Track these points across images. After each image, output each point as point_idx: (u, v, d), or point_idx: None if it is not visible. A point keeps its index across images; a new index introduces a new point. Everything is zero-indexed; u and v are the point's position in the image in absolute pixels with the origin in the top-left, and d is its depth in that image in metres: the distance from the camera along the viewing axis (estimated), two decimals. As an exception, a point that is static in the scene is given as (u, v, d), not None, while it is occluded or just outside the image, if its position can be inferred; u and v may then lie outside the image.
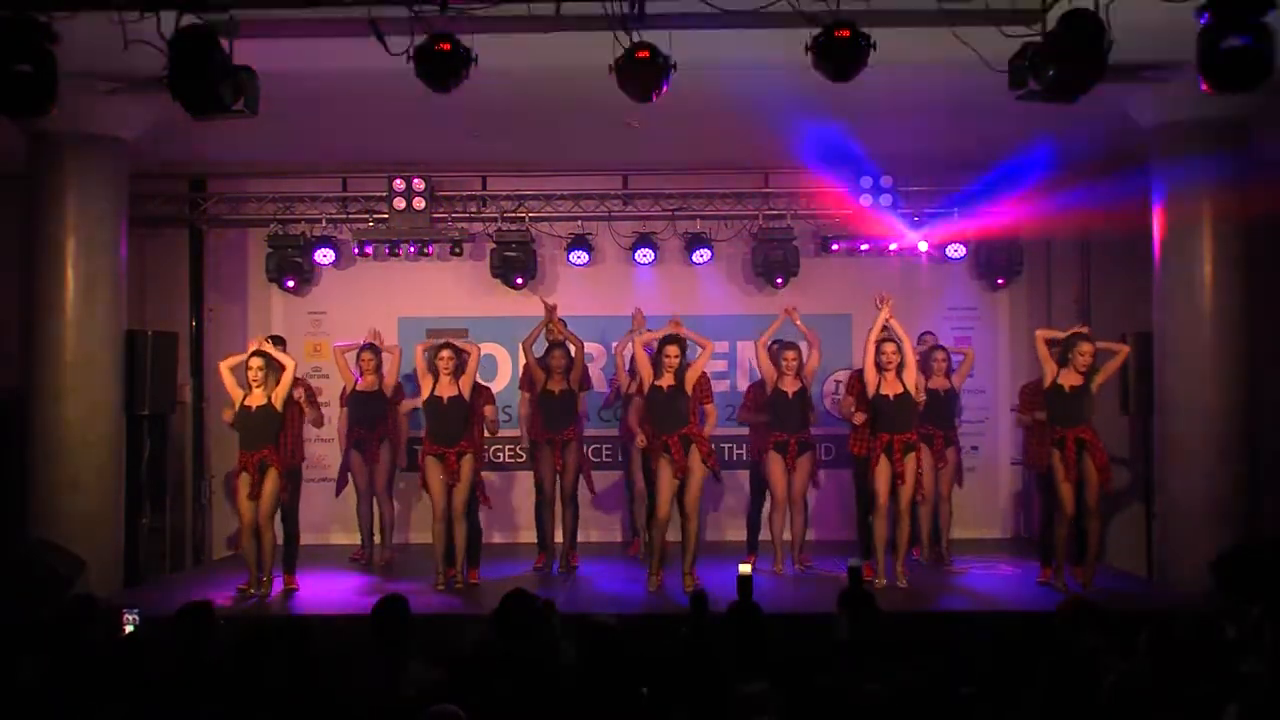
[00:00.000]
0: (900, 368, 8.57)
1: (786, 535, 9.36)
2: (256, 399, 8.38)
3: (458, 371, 8.59)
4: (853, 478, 9.49)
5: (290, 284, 11.05)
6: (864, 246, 10.94)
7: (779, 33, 6.21)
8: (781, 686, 4.60)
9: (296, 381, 8.65)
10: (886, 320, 8.62)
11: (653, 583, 8.49)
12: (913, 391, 8.58)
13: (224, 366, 8.61)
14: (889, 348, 8.56)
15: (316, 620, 7.73)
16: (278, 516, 8.56)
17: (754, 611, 6.13)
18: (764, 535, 9.49)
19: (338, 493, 10.02)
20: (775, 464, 9.15)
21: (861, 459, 8.93)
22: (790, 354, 9.10)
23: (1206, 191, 8.62)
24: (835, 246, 10.99)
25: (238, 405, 8.42)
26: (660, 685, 4.75)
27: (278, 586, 8.61)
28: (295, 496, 8.88)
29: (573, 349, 9.35)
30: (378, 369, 9.68)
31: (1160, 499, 9.00)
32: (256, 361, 8.47)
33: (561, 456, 9.33)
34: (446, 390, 8.57)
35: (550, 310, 9.48)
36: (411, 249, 10.95)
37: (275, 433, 8.42)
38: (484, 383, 9.24)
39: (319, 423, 9.49)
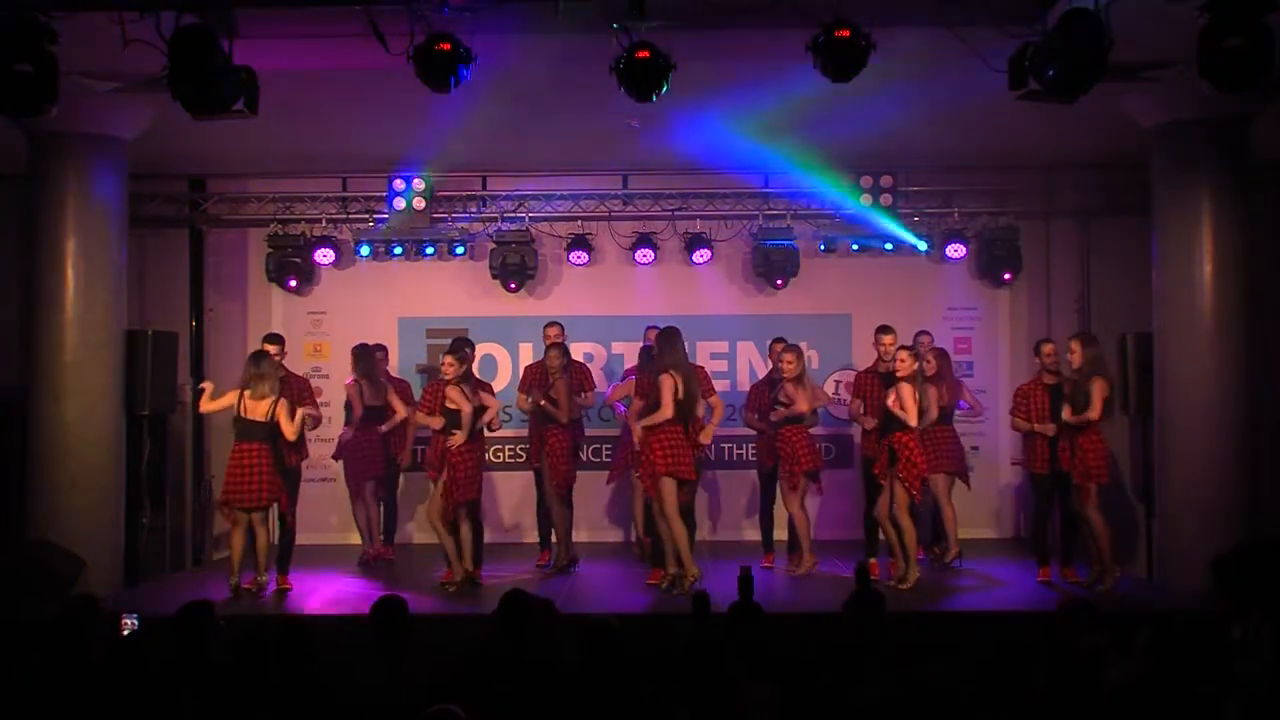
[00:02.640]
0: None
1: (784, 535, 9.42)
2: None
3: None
4: (862, 478, 9.47)
5: (290, 284, 11.03)
6: (855, 247, 10.94)
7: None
8: (783, 686, 4.60)
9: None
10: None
11: (664, 580, 8.46)
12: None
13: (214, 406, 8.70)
14: (905, 354, 8.56)
15: (316, 620, 7.74)
16: (272, 515, 8.54)
17: (754, 610, 6.15)
18: (779, 535, 9.56)
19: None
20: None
21: (869, 459, 8.97)
22: (790, 355, 9.04)
23: (1206, 191, 8.62)
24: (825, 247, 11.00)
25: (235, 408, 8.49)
26: (661, 685, 4.75)
27: (271, 586, 8.62)
28: (293, 497, 8.85)
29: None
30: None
31: (1160, 499, 8.99)
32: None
33: (540, 455, 9.41)
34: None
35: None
36: (429, 251, 10.95)
37: (267, 435, 8.42)
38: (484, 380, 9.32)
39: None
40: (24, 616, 6.82)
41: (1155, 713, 4.01)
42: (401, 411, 9.56)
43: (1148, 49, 7.11)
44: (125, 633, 5.98)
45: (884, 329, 9.17)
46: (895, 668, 4.77)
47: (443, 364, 8.64)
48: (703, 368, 9.33)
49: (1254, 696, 3.96)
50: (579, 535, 10.14)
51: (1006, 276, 11.06)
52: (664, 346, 8.34)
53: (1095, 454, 8.39)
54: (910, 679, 4.43)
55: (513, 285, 10.93)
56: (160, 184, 10.83)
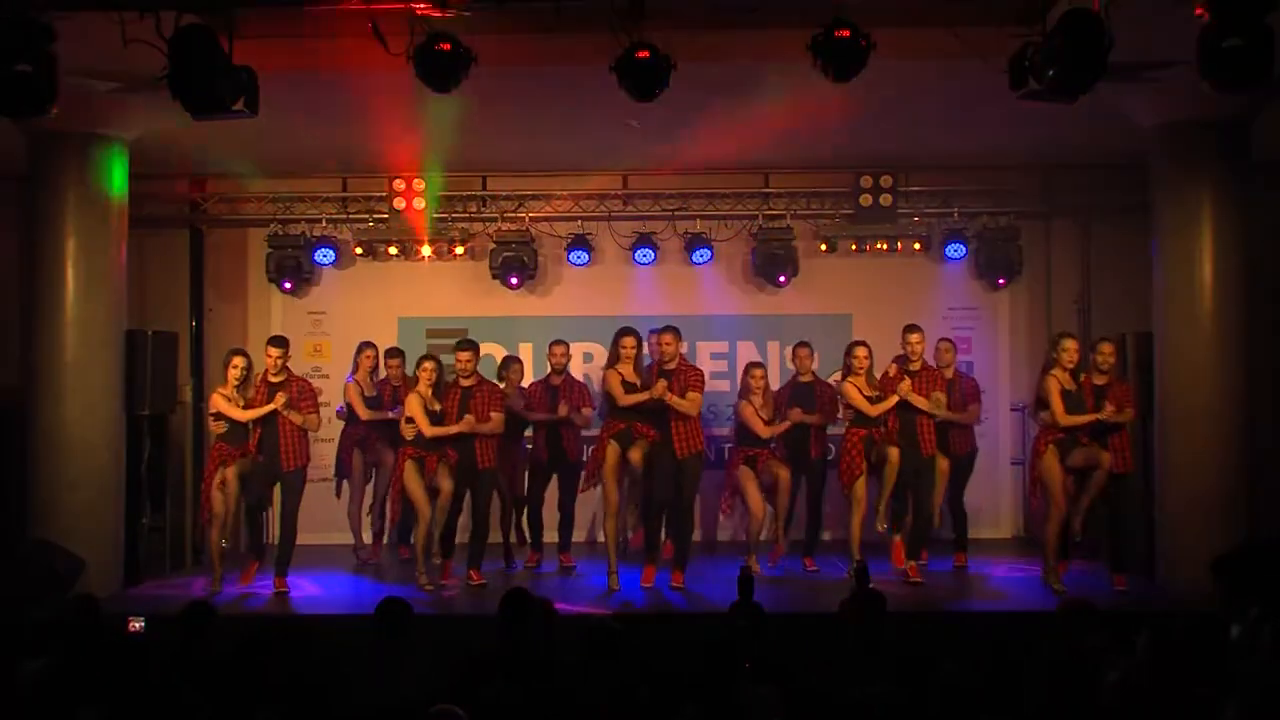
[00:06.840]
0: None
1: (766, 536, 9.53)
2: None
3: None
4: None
5: (290, 284, 11.03)
6: (865, 246, 10.95)
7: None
8: (783, 686, 4.60)
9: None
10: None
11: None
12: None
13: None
14: (861, 351, 8.85)
15: (317, 620, 7.75)
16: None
17: (755, 610, 6.15)
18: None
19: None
20: (745, 475, 9.24)
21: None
22: (758, 372, 9.30)
23: (1206, 191, 8.62)
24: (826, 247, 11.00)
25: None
26: (661, 685, 4.75)
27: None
28: (295, 499, 8.77)
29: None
30: (375, 369, 9.72)
31: (1160, 499, 8.99)
32: (239, 361, 8.57)
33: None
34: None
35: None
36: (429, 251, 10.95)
37: (250, 436, 8.45)
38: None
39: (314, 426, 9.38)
40: (24, 616, 6.82)
41: (1155, 713, 4.01)
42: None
43: (1148, 49, 7.11)
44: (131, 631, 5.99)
45: (911, 328, 9.18)
46: (895, 668, 4.77)
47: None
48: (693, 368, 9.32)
49: (1253, 696, 3.97)
50: (579, 535, 10.15)
51: (1001, 281, 11.07)
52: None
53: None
54: (911, 679, 4.44)
55: (514, 280, 10.92)
56: (160, 184, 10.83)
